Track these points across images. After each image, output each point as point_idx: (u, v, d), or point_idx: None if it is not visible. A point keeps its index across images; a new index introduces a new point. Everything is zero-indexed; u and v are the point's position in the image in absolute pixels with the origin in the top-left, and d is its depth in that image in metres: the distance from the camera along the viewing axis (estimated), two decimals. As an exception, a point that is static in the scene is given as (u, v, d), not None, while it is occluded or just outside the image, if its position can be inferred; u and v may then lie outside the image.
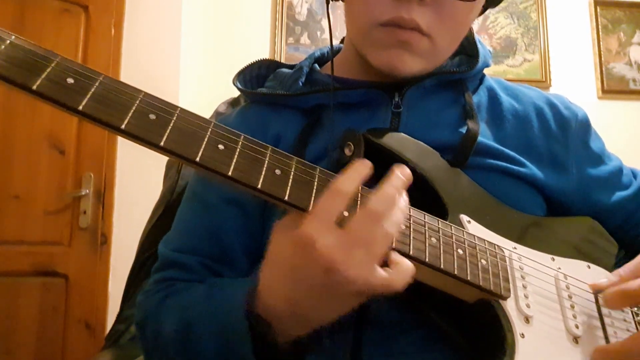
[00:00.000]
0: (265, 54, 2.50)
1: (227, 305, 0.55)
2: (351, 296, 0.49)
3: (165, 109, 0.47)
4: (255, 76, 0.80)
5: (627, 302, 0.59)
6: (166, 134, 0.46)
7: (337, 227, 0.47)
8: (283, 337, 0.53)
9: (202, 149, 0.47)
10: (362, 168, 0.51)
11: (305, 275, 0.48)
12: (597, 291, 0.61)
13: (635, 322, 0.63)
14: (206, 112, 1.03)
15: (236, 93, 0.81)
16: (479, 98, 0.74)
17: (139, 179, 2.05)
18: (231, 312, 0.54)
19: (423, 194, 0.62)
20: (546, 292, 0.60)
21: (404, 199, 0.52)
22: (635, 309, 0.64)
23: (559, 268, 0.63)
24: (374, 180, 0.61)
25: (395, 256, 0.50)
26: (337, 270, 0.46)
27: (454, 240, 0.56)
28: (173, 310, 0.61)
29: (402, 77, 0.68)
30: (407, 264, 0.50)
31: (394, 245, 0.51)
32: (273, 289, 0.51)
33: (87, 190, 2.06)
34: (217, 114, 1.06)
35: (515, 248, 0.62)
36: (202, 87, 2.35)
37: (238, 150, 0.48)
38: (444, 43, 0.68)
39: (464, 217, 0.61)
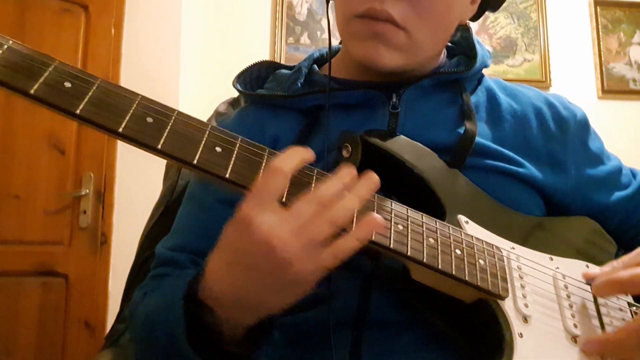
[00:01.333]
0: (265, 54, 2.50)
1: (172, 292, 0.55)
2: (293, 281, 0.47)
3: (162, 112, 0.47)
4: (255, 77, 0.80)
5: (617, 290, 0.60)
6: (163, 137, 0.46)
7: (279, 207, 0.46)
8: (230, 326, 0.51)
9: (199, 152, 0.47)
10: (302, 150, 0.50)
11: (246, 257, 0.47)
12: (589, 280, 0.62)
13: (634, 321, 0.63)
14: (206, 112, 1.03)
15: (236, 93, 0.81)
16: (477, 98, 0.75)
17: (139, 179, 2.04)
18: (173, 298, 0.53)
19: (421, 195, 0.62)
20: (544, 292, 0.60)
21: (363, 189, 0.50)
22: (634, 308, 0.65)
23: (557, 268, 0.63)
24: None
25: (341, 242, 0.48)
26: (275, 249, 0.45)
27: (451, 240, 0.56)
28: (146, 303, 0.62)
29: (384, 71, 0.68)
30: (345, 245, 0.48)
31: (391, 245, 0.51)
32: (218, 274, 0.50)
33: (87, 190, 2.06)
34: (217, 114, 1.06)
35: (513, 248, 0.62)
36: (202, 87, 2.35)
37: (235, 152, 0.49)
38: (423, 38, 0.67)
39: (462, 218, 0.61)
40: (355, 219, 0.49)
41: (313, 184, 0.51)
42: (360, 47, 0.67)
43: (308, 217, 0.46)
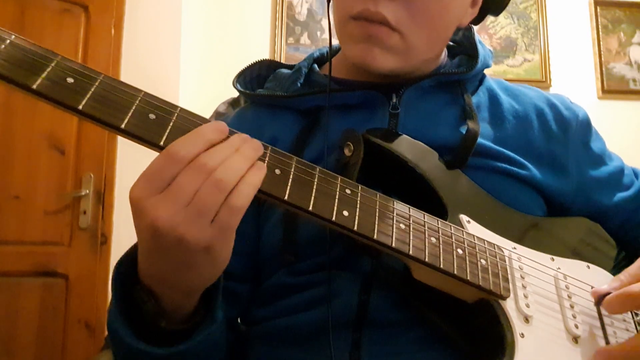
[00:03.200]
0: (265, 54, 2.50)
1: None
2: (199, 253, 0.45)
3: (165, 109, 0.47)
4: (255, 77, 0.80)
5: (628, 306, 0.59)
6: (166, 133, 0.46)
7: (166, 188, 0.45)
8: (173, 305, 0.51)
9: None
10: (210, 131, 0.47)
11: (145, 241, 0.46)
12: (598, 297, 0.61)
13: (634, 321, 0.63)
14: (206, 112, 1.03)
15: (236, 93, 0.81)
16: (478, 99, 0.74)
17: (139, 179, 2.04)
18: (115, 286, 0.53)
19: (422, 194, 0.62)
20: (546, 292, 0.60)
21: (248, 149, 0.48)
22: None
23: (559, 268, 0.63)
24: (375, 181, 0.62)
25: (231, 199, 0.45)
26: (160, 230, 0.43)
27: (453, 240, 0.56)
28: None
29: (379, 73, 0.67)
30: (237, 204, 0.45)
31: (393, 244, 0.51)
32: (140, 258, 0.50)
33: (87, 191, 2.06)
34: (217, 114, 1.06)
35: (514, 248, 0.62)
36: (202, 87, 2.35)
37: None
38: (417, 41, 0.66)
39: (464, 217, 0.61)
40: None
41: (315, 182, 0.51)
42: (354, 49, 0.67)
43: (190, 188, 0.44)
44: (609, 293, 0.59)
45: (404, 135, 0.65)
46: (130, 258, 0.53)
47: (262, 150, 0.49)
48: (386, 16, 0.63)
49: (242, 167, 0.46)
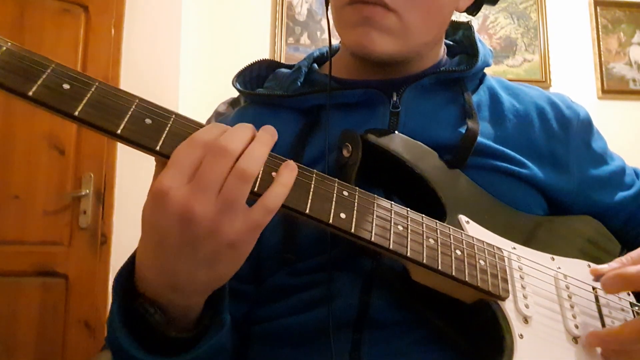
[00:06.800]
0: (265, 54, 2.49)
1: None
2: (222, 249, 0.44)
3: (161, 114, 0.47)
4: (255, 77, 0.80)
5: (625, 286, 0.59)
6: (162, 138, 0.46)
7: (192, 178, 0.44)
8: (177, 312, 0.50)
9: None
10: (242, 130, 0.46)
11: (163, 232, 0.44)
12: (597, 276, 0.61)
13: (635, 322, 0.63)
14: (206, 112, 1.03)
15: (236, 93, 0.81)
16: (479, 97, 0.74)
17: (139, 179, 2.03)
18: (116, 294, 0.52)
19: (422, 195, 0.62)
20: (545, 293, 0.60)
21: (265, 135, 0.47)
22: (637, 308, 0.64)
23: (559, 268, 0.63)
24: (374, 181, 0.61)
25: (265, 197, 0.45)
26: (190, 218, 0.42)
27: (451, 241, 0.56)
28: None
29: (379, 58, 0.67)
30: (270, 199, 0.45)
31: (390, 246, 0.51)
32: (143, 258, 0.48)
33: (87, 191, 2.06)
34: (217, 114, 1.06)
35: (514, 248, 0.62)
36: (202, 87, 2.35)
37: None
38: (414, 21, 0.66)
39: (463, 218, 0.61)
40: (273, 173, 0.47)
41: (312, 185, 0.51)
42: (352, 35, 0.67)
43: (217, 179, 0.43)
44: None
45: (403, 135, 0.65)
46: (127, 271, 0.51)
47: (276, 135, 0.48)
48: None
49: (262, 155, 0.45)
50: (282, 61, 1.05)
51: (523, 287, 0.58)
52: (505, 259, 0.59)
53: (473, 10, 0.77)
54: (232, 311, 0.64)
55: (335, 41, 0.76)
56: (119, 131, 0.44)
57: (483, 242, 0.59)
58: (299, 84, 0.73)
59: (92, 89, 0.45)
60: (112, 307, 0.51)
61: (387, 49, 0.66)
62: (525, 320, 0.56)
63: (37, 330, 1.95)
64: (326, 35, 2.54)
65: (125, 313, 0.51)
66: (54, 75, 0.44)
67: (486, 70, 0.78)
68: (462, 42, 0.80)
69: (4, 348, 1.90)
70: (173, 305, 0.49)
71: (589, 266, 0.66)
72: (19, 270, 1.97)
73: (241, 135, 0.45)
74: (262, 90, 0.77)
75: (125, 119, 0.45)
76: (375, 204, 0.54)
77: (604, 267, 0.61)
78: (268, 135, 0.47)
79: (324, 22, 2.56)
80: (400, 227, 0.53)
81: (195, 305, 0.51)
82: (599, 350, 0.57)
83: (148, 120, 0.46)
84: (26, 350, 1.93)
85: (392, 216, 0.54)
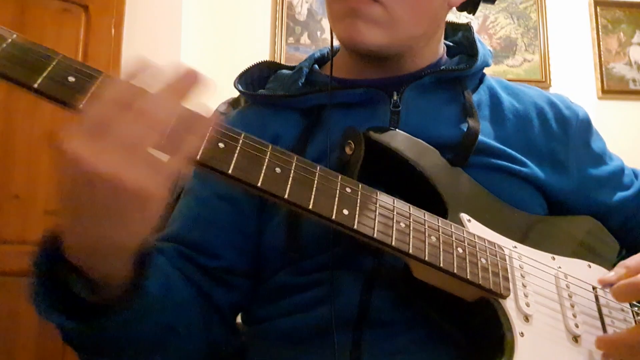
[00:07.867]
0: (265, 54, 2.49)
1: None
2: (126, 204, 0.41)
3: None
4: (256, 78, 0.80)
5: (637, 296, 0.58)
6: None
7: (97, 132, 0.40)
8: (97, 278, 0.47)
9: (202, 148, 0.47)
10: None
11: (65, 183, 0.41)
12: (605, 285, 0.61)
13: (635, 321, 0.63)
14: (206, 112, 1.03)
15: (237, 93, 0.81)
16: (479, 97, 0.74)
17: (139, 179, 2.04)
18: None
19: (423, 193, 0.62)
20: (546, 291, 0.60)
21: (182, 81, 0.45)
22: (636, 308, 0.65)
23: (560, 267, 0.63)
24: (376, 179, 0.62)
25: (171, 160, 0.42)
26: (81, 163, 0.38)
27: (453, 239, 0.56)
28: None
29: (366, 49, 0.68)
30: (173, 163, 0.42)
31: (393, 243, 0.51)
32: (66, 225, 0.46)
33: (87, 190, 2.05)
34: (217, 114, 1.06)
35: (515, 247, 0.62)
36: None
37: (238, 148, 0.49)
38: (401, 12, 0.66)
39: (464, 216, 0.61)
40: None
41: (316, 181, 0.51)
42: (340, 27, 0.68)
43: (108, 126, 0.40)
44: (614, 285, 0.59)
45: (405, 134, 0.65)
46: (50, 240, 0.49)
47: (199, 79, 0.46)
48: None
49: (174, 104, 0.43)
50: (282, 61, 1.06)
51: (524, 286, 0.58)
52: (507, 258, 0.59)
53: (471, 8, 0.77)
54: (219, 298, 0.64)
55: (336, 41, 0.76)
56: None
57: (484, 240, 0.59)
58: (300, 84, 0.74)
59: (98, 82, 0.45)
60: (34, 274, 0.49)
61: (374, 40, 0.66)
62: (526, 318, 0.56)
63: (37, 330, 1.94)
64: (326, 35, 2.54)
65: (48, 279, 0.48)
66: (60, 67, 0.44)
67: (486, 70, 0.78)
68: (462, 43, 0.81)
69: (4, 348, 1.90)
70: (93, 271, 0.47)
71: (589, 266, 0.66)
72: (20, 270, 1.95)
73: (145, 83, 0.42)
74: (263, 91, 0.77)
75: None
76: (378, 201, 0.54)
77: (611, 275, 0.61)
78: (185, 81, 0.44)
79: (324, 22, 2.56)
80: (402, 224, 0.53)
81: (117, 272, 0.48)
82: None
83: None
84: (26, 350, 1.93)
85: (395, 213, 0.54)
